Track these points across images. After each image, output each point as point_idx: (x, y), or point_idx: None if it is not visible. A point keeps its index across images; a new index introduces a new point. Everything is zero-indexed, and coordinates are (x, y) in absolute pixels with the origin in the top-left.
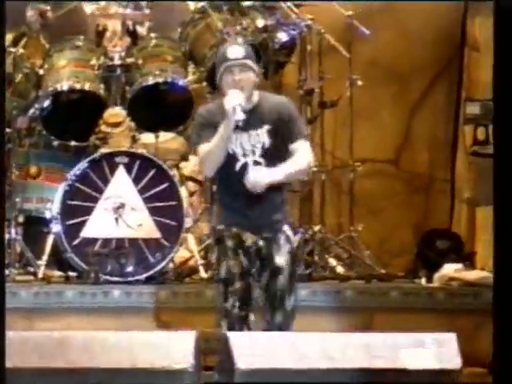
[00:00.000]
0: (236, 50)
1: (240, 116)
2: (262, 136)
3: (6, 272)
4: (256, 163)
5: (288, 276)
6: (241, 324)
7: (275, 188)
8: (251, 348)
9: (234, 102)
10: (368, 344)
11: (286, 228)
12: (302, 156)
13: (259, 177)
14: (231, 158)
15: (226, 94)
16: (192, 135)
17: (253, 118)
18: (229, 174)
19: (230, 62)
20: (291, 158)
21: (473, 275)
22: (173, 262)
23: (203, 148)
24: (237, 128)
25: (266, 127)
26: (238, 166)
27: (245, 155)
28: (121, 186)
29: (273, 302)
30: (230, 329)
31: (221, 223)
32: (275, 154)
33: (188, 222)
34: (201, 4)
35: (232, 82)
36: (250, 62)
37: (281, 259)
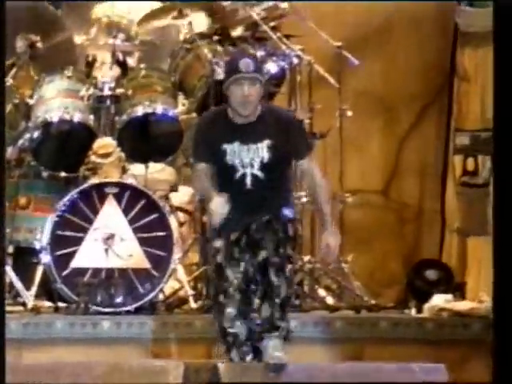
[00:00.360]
0: (247, 63)
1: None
2: (261, 150)
3: None
4: (254, 176)
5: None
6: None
7: (277, 193)
8: (241, 379)
9: (221, 211)
10: (358, 374)
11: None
12: (319, 176)
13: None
14: (230, 169)
15: (237, 101)
16: (190, 146)
17: (253, 132)
18: (228, 183)
19: (241, 75)
20: (316, 183)
21: (463, 306)
22: (162, 293)
23: (197, 175)
24: (236, 141)
25: (267, 142)
26: (238, 175)
27: (243, 167)
28: (110, 216)
29: (263, 294)
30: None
31: (218, 237)
32: (275, 167)
33: (178, 253)
34: (190, 35)
35: (241, 95)
36: (259, 76)
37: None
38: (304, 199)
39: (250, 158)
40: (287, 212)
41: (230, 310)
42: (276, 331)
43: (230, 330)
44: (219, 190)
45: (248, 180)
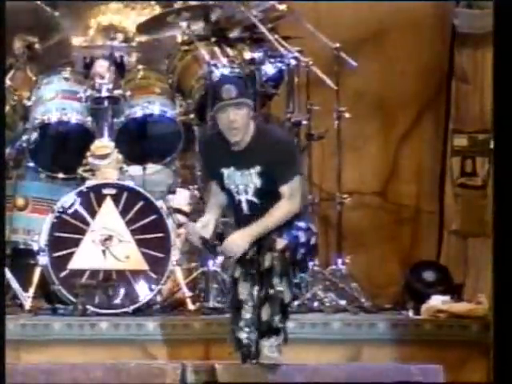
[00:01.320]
0: (229, 90)
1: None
2: (253, 176)
3: None
4: (250, 202)
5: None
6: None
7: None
8: (238, 380)
9: (192, 238)
10: (356, 375)
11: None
12: (279, 206)
13: (232, 241)
14: (229, 193)
15: (224, 128)
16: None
17: (245, 158)
18: (231, 206)
19: (224, 103)
20: (269, 211)
21: (460, 307)
22: (160, 294)
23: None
24: (232, 166)
25: (258, 169)
26: (236, 200)
27: (238, 193)
28: (108, 217)
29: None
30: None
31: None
32: (269, 193)
33: (175, 254)
34: (188, 36)
35: (226, 122)
36: (243, 100)
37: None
38: None
39: (243, 184)
40: (302, 222)
41: (245, 322)
42: (275, 334)
43: (245, 342)
44: (228, 212)
45: (244, 206)
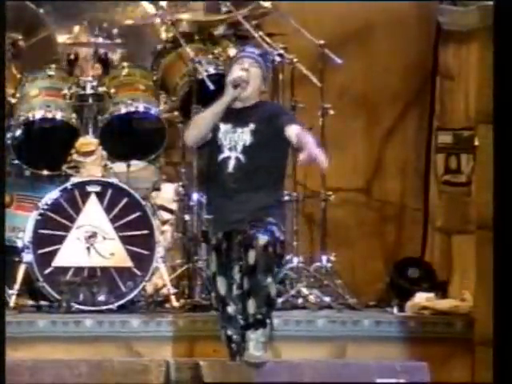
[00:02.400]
0: (253, 49)
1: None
2: (245, 134)
3: None
4: (237, 159)
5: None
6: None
7: (260, 185)
8: (223, 377)
9: (238, 75)
10: (340, 373)
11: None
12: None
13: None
14: (218, 148)
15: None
16: None
17: (243, 116)
18: (213, 166)
19: (244, 53)
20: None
21: (445, 304)
22: (145, 291)
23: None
24: (229, 123)
25: (251, 126)
26: (221, 157)
27: (230, 149)
28: (93, 214)
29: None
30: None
31: (210, 230)
32: (258, 154)
33: (160, 251)
34: (173, 33)
35: (240, 71)
36: (261, 62)
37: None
38: (286, 197)
39: (234, 140)
40: (272, 218)
41: (232, 319)
42: (262, 327)
43: (235, 338)
44: (204, 172)
45: (230, 163)
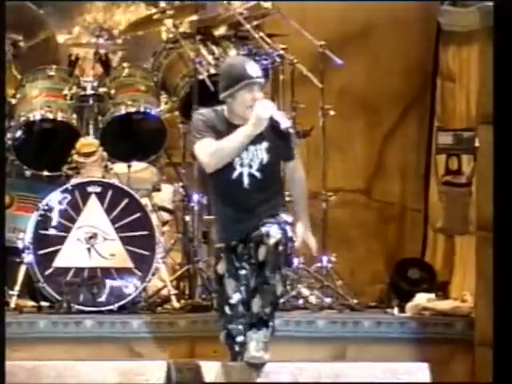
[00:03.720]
0: (256, 69)
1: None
2: (260, 152)
3: None
4: (251, 176)
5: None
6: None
7: (272, 196)
8: (224, 378)
9: (271, 111)
10: (340, 374)
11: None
12: (300, 178)
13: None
14: (228, 167)
15: (246, 106)
16: (192, 133)
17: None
18: (225, 182)
19: (253, 80)
20: (295, 178)
21: (445, 305)
22: (145, 292)
23: (213, 143)
24: None
25: (265, 144)
26: (235, 174)
27: (242, 165)
28: (93, 215)
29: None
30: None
31: (219, 241)
32: (271, 169)
33: (160, 252)
34: (173, 34)
35: (251, 99)
36: (264, 81)
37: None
38: (287, 198)
39: (249, 158)
40: (285, 216)
41: (237, 320)
42: (265, 327)
43: (238, 339)
44: (215, 189)
45: (245, 179)
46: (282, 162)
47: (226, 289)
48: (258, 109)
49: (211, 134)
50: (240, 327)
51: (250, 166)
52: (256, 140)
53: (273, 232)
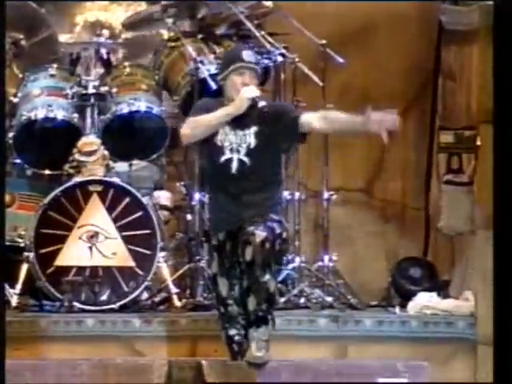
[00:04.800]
0: (250, 54)
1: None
2: (248, 137)
3: None
4: (240, 162)
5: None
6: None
7: (267, 187)
8: (225, 377)
9: (253, 93)
10: (342, 372)
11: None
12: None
13: None
14: (218, 150)
15: (236, 89)
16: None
17: (240, 119)
18: (214, 166)
19: (244, 64)
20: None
21: (447, 304)
22: (147, 291)
23: (195, 118)
24: (228, 125)
25: (254, 129)
26: (223, 159)
27: (231, 151)
28: (94, 214)
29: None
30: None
31: (211, 229)
32: (260, 154)
33: (162, 251)
34: (174, 33)
35: (241, 83)
36: (258, 68)
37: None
38: (288, 197)
39: (237, 143)
40: (274, 215)
41: (234, 319)
42: (264, 324)
43: (236, 338)
44: (205, 173)
45: (234, 165)
46: (282, 155)
47: (219, 288)
48: (243, 90)
49: (202, 114)
50: (237, 326)
51: (238, 151)
52: (245, 124)
53: (258, 231)
